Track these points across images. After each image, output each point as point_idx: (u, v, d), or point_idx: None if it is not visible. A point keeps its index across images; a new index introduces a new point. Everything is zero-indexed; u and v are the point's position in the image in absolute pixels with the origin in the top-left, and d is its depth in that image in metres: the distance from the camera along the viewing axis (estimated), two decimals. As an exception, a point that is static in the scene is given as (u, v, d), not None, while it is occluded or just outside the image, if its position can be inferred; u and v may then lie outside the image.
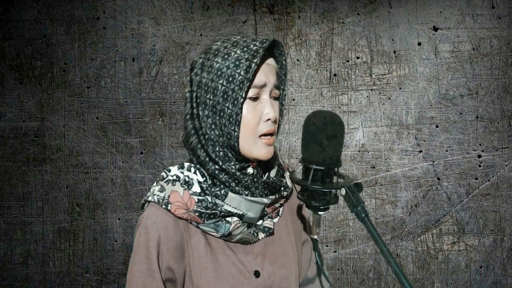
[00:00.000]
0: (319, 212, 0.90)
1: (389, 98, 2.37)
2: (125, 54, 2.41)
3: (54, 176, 2.44)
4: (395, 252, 2.37)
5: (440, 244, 2.37)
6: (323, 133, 0.84)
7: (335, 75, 2.39)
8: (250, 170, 0.96)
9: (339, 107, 2.39)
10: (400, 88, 2.37)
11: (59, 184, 2.44)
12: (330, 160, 0.85)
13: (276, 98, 0.96)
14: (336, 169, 0.87)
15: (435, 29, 2.35)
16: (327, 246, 2.39)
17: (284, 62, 0.98)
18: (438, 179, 2.36)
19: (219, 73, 0.91)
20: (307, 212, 1.14)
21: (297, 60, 2.39)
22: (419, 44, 2.36)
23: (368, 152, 2.38)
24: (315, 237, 0.94)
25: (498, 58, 2.34)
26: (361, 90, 2.38)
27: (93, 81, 2.43)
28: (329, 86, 2.39)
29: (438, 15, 2.35)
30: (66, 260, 2.44)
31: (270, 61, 0.95)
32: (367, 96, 2.38)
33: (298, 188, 1.04)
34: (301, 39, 2.39)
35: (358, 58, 2.38)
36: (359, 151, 2.38)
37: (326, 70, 2.39)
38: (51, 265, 2.45)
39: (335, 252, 2.39)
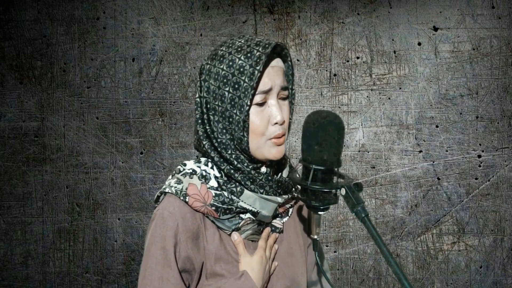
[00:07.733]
0: (319, 212, 0.90)
1: (389, 98, 2.37)
2: (125, 54, 2.41)
3: (54, 176, 2.44)
4: (395, 252, 2.37)
5: (440, 244, 2.37)
6: (323, 133, 0.84)
7: (335, 75, 2.39)
8: (263, 169, 0.98)
9: (339, 107, 2.38)
10: (400, 88, 2.37)
11: (59, 184, 2.44)
12: (330, 160, 0.85)
13: (284, 98, 0.96)
14: (336, 169, 0.87)
15: (435, 29, 2.35)
16: (327, 246, 2.39)
17: (290, 62, 0.98)
18: (438, 179, 2.36)
19: (225, 80, 0.91)
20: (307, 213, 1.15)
21: (297, 60, 2.39)
22: (419, 44, 2.36)
23: (368, 152, 2.38)
24: (315, 237, 0.95)
25: (498, 58, 2.34)
26: (361, 90, 2.38)
27: (93, 81, 2.42)
28: (329, 86, 2.39)
29: (438, 15, 2.35)
30: (66, 260, 2.44)
31: (276, 62, 0.94)
32: (367, 96, 2.38)
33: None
34: (301, 39, 2.39)
35: (358, 58, 2.38)
36: (359, 151, 2.38)
37: (326, 70, 2.39)
38: (51, 265, 2.45)
39: (335, 252, 2.39)
